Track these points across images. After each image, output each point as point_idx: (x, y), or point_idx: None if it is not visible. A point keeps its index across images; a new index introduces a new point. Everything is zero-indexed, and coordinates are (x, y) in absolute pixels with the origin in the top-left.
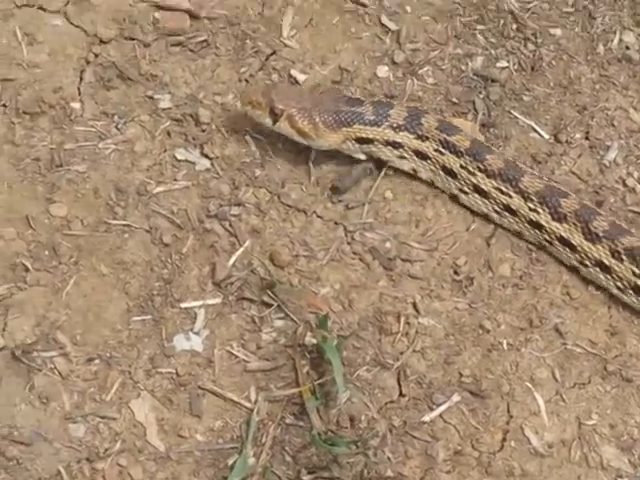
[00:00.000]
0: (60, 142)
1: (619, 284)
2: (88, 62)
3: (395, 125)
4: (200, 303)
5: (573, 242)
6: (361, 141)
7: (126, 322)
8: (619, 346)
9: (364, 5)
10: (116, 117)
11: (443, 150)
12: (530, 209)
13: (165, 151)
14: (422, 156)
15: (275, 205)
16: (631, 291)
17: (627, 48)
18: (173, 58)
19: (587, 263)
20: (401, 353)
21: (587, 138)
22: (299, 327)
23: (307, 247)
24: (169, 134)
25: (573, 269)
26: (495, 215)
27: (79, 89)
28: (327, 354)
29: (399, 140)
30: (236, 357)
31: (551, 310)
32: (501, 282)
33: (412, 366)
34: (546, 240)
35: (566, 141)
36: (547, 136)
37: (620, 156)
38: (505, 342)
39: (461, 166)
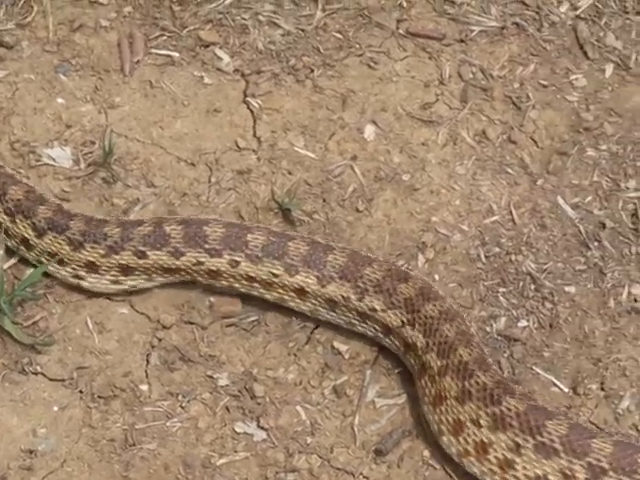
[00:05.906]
0: (132, 423)
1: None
2: (153, 346)
3: None
4: None
5: None
6: None
7: None
8: None
9: None
10: (180, 396)
11: None
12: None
13: (225, 425)
14: None
15: (326, 469)
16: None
17: (635, 301)
18: (228, 338)
19: None
20: None
21: (602, 389)
22: None
23: None
24: (228, 409)
25: None
26: None
27: (146, 372)
28: None
29: None
30: None
31: None
32: None
33: None
34: None
35: (584, 393)
36: (566, 389)
37: (633, 404)
38: None
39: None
